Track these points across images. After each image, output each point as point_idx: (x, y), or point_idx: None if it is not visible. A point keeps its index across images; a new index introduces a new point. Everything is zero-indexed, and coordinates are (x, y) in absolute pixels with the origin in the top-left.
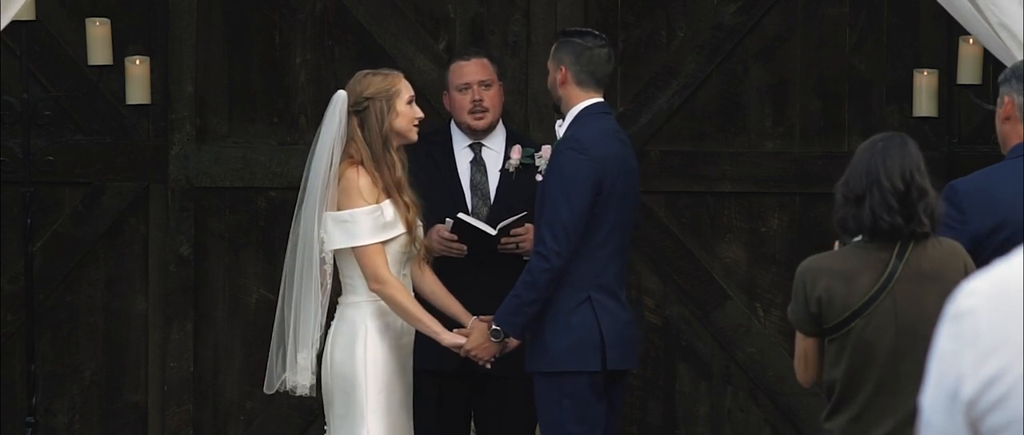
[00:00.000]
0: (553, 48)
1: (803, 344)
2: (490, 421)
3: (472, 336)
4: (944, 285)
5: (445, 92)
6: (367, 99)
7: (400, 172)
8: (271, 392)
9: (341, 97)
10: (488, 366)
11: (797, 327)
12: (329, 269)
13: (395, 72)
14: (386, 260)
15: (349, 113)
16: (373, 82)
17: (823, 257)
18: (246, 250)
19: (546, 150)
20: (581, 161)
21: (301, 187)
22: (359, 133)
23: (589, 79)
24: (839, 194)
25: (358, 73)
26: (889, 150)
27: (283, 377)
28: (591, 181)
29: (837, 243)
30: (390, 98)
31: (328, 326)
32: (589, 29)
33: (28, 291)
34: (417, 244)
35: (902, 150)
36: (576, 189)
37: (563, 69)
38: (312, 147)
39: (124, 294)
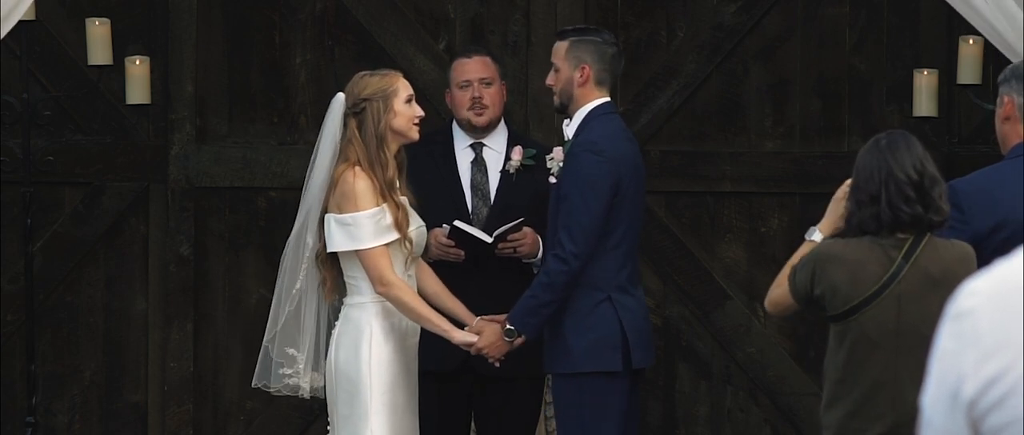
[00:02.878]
0: (565, 47)
1: (782, 296)
2: (490, 422)
3: (484, 335)
4: (952, 289)
5: (447, 90)
6: (364, 100)
7: (392, 173)
8: (268, 390)
9: (339, 100)
10: (497, 364)
11: (792, 294)
12: (303, 274)
13: (393, 72)
14: (390, 262)
15: (347, 115)
16: (370, 83)
17: (841, 244)
18: (246, 250)
19: (558, 152)
20: (599, 163)
21: (303, 189)
22: (357, 134)
23: (608, 78)
24: (852, 200)
25: (356, 75)
26: (895, 145)
27: (282, 381)
28: (609, 183)
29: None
30: (387, 98)
31: (333, 327)
32: (596, 27)
33: (28, 291)
34: (407, 244)
35: (907, 143)
36: (595, 191)
37: (585, 68)
38: (314, 150)
39: (124, 294)
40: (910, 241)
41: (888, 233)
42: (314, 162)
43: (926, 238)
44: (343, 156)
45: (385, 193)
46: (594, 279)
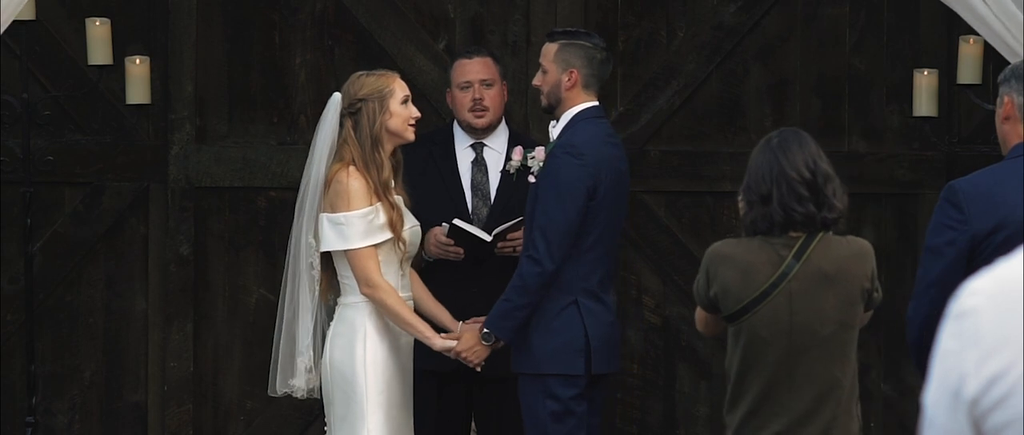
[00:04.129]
0: (554, 50)
1: (702, 314)
2: (489, 421)
3: (463, 339)
4: (846, 287)
5: (448, 90)
6: (360, 100)
7: (387, 173)
8: (275, 395)
9: (335, 100)
10: (479, 369)
11: (697, 301)
12: (316, 274)
13: (390, 72)
14: (378, 264)
15: (343, 115)
16: (367, 83)
17: (732, 244)
18: (246, 250)
19: (540, 151)
20: (576, 166)
21: (299, 190)
22: (352, 134)
23: (596, 83)
24: (743, 200)
25: (353, 75)
26: (786, 144)
27: (287, 381)
28: (586, 187)
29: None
30: (383, 98)
31: (327, 327)
32: (586, 30)
33: (28, 291)
34: (401, 245)
35: (799, 142)
36: (570, 194)
37: (573, 72)
38: (310, 150)
39: (124, 294)
40: (802, 239)
41: (780, 232)
42: (310, 162)
43: (819, 236)
44: (338, 156)
45: (379, 193)
46: (562, 282)
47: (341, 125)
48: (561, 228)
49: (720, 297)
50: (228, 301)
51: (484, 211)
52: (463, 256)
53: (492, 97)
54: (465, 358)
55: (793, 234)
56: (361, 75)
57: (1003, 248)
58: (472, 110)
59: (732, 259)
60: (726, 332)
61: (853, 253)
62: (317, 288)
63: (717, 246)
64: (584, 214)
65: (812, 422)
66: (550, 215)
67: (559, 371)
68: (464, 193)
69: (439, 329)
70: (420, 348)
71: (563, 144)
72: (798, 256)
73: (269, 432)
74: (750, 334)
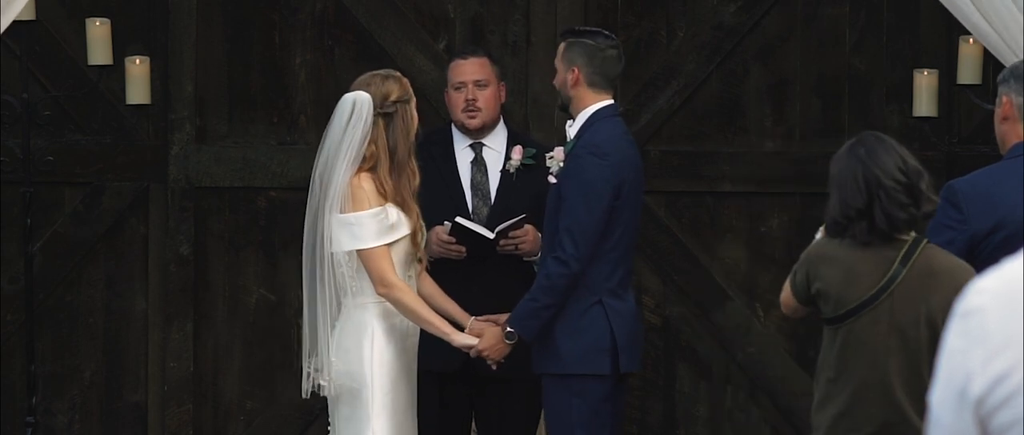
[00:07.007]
0: (562, 48)
1: (793, 302)
2: (491, 422)
3: (485, 337)
4: (946, 295)
5: (445, 90)
6: (394, 102)
7: (408, 176)
8: (307, 397)
9: (366, 100)
10: (495, 367)
11: (794, 293)
12: (345, 270)
13: (401, 75)
14: (392, 263)
15: (376, 116)
16: (394, 87)
17: (833, 246)
18: (246, 250)
19: (558, 152)
20: (601, 166)
21: (310, 190)
22: (384, 136)
23: (602, 81)
24: (838, 213)
25: (368, 75)
26: (874, 152)
27: (314, 380)
28: (611, 187)
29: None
30: (409, 100)
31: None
32: (597, 29)
33: (28, 291)
34: (411, 247)
35: (884, 146)
36: (596, 194)
37: (576, 71)
38: (325, 148)
39: (124, 294)
40: (908, 244)
41: (884, 240)
42: (334, 164)
43: (924, 243)
44: (362, 158)
45: (389, 194)
46: (587, 282)
47: (372, 125)
48: (588, 229)
49: (821, 296)
50: (228, 301)
51: (484, 211)
52: (465, 255)
53: (486, 98)
54: (486, 356)
55: (899, 237)
56: (380, 76)
57: (1002, 248)
58: (465, 111)
59: (835, 259)
60: (801, 316)
61: (955, 265)
62: (348, 287)
63: (817, 249)
64: (609, 213)
65: (904, 426)
66: (576, 216)
67: (587, 371)
68: (464, 193)
69: (452, 324)
70: (422, 349)
71: (585, 144)
72: (904, 261)
73: (269, 432)
74: (848, 335)
